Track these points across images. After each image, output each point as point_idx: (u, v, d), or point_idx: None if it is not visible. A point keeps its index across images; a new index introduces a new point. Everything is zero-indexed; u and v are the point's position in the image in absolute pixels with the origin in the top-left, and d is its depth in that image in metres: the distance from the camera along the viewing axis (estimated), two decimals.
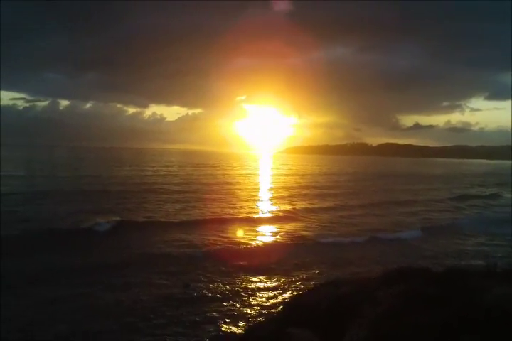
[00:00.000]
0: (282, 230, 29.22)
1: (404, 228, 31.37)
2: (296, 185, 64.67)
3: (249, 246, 24.01)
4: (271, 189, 57.60)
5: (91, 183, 51.51)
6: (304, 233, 28.49)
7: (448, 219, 36.22)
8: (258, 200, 45.32)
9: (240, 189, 55.31)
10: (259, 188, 58.80)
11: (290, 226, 30.92)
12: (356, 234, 28.58)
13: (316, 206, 41.46)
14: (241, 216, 34.32)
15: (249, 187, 59.65)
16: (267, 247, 24.28)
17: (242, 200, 43.99)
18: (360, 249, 24.22)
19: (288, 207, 39.96)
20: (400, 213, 39.02)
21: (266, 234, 28.07)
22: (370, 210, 39.88)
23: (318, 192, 53.59)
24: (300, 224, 31.68)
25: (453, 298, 5.48)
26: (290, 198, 47.25)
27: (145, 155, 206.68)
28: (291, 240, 26.16)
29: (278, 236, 27.27)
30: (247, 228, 29.15)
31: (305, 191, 54.75)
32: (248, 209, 38.11)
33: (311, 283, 15.59)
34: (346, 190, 57.27)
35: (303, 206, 41.11)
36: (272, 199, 46.72)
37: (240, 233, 27.34)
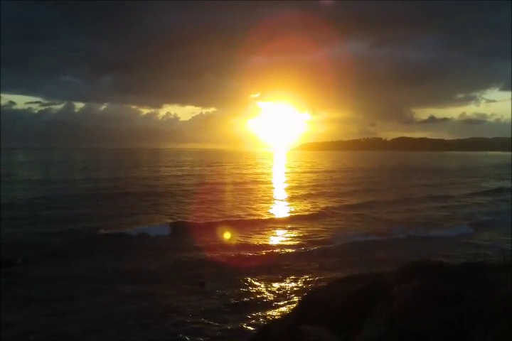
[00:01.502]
0: (311, 229, 28.31)
1: (446, 224, 30.07)
2: (319, 182, 63.46)
3: (275, 248, 23.38)
4: (295, 187, 56.55)
5: (120, 186, 50.85)
6: (334, 232, 27.43)
7: (486, 214, 34.82)
8: (285, 199, 44.56)
9: (263, 189, 54.62)
10: (282, 187, 57.86)
11: (320, 225, 29.94)
12: (392, 231, 27.30)
13: (345, 203, 40.62)
14: (270, 216, 33.74)
15: (271, 186, 59.02)
16: (294, 248, 23.32)
17: (268, 200, 43.39)
18: (400, 248, 22.64)
19: (317, 205, 39.15)
20: (434, 208, 37.90)
21: (295, 235, 27.04)
22: (402, 206, 38.96)
23: (343, 190, 52.66)
24: (330, 223, 30.69)
25: (468, 292, 5.42)
26: (316, 196, 46.34)
27: (161, 155, 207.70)
28: (320, 240, 25.13)
29: (307, 236, 26.27)
30: (277, 228, 28.57)
31: (329, 189, 53.76)
32: (276, 209, 37.54)
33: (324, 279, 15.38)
34: (370, 186, 56.27)
35: (332, 204, 40.26)
36: (298, 197, 45.76)
37: (270, 234, 26.89)
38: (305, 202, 42.13)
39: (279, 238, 26.38)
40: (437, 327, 5.01)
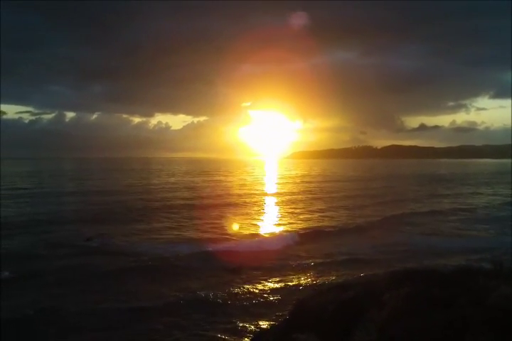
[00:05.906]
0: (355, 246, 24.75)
1: None
2: (346, 193, 57.65)
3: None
4: (316, 198, 51.07)
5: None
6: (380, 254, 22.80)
7: None
8: (312, 212, 40.16)
9: (277, 201, 49.92)
10: (300, 198, 51.59)
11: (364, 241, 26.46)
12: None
13: (373, 218, 35.76)
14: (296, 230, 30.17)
15: (287, 197, 53.76)
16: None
17: (290, 213, 39.78)
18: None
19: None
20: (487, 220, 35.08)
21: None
22: (449, 218, 36.44)
23: (378, 200, 48.86)
24: (370, 240, 26.69)
25: (458, 298, 5.38)
26: (365, 207, 43.20)
27: (153, 164, 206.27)
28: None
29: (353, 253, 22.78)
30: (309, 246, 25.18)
31: (347, 200, 48.95)
32: (314, 222, 34.12)
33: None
34: (400, 197, 52.90)
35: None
36: (330, 209, 41.82)
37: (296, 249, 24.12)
38: (342, 214, 38.29)
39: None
40: (428, 333, 4.96)
